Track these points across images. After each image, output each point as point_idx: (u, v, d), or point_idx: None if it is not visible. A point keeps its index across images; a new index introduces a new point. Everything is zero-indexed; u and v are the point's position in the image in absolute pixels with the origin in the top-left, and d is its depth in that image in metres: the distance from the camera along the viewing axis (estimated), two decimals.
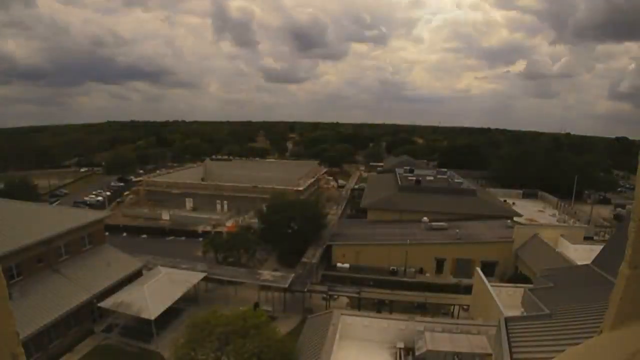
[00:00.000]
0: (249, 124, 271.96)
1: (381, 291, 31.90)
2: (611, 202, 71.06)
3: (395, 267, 36.87)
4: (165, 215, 55.38)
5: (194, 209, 59.04)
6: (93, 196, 66.06)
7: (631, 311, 1.49)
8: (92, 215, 34.00)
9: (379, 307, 30.72)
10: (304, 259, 35.78)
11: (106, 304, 26.72)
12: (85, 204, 60.33)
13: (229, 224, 50.43)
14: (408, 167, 67.39)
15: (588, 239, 38.60)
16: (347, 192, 66.27)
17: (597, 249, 22.22)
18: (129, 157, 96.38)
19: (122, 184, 77.94)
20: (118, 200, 65.87)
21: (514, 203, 55.22)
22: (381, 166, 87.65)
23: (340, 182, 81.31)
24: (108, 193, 66.89)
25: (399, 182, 53.97)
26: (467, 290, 30.00)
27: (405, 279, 35.20)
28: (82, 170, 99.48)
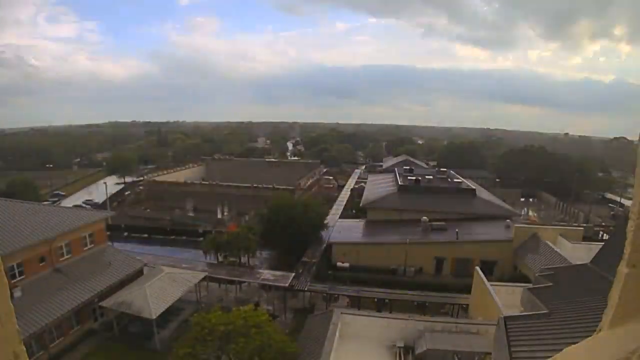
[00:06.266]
0: (249, 124, 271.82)
1: (381, 290, 31.89)
2: (609, 201, 71.03)
3: (395, 267, 36.86)
4: (166, 215, 55.43)
5: (195, 209, 59.09)
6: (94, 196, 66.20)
7: (630, 310, 1.50)
8: (94, 215, 34.06)
9: (379, 306, 30.73)
10: (304, 259, 35.77)
11: (107, 303, 26.75)
12: (86, 203, 60.35)
13: (230, 223, 50.46)
14: (408, 167, 67.30)
15: (587, 238, 38.55)
16: (347, 192, 66.18)
17: (596, 248, 22.15)
18: (130, 157, 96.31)
19: (123, 184, 77.93)
20: (119, 200, 65.88)
21: (513, 203, 55.27)
22: (381, 166, 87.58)
23: (340, 182, 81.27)
24: (109, 193, 66.87)
25: (399, 182, 53.90)
26: (467, 289, 29.99)
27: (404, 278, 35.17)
28: (83, 170, 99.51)
